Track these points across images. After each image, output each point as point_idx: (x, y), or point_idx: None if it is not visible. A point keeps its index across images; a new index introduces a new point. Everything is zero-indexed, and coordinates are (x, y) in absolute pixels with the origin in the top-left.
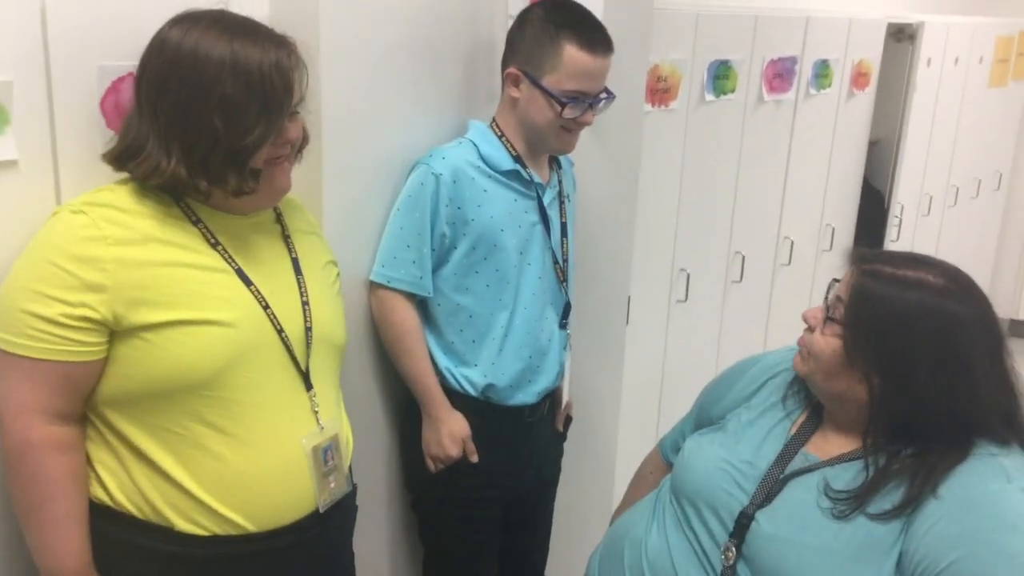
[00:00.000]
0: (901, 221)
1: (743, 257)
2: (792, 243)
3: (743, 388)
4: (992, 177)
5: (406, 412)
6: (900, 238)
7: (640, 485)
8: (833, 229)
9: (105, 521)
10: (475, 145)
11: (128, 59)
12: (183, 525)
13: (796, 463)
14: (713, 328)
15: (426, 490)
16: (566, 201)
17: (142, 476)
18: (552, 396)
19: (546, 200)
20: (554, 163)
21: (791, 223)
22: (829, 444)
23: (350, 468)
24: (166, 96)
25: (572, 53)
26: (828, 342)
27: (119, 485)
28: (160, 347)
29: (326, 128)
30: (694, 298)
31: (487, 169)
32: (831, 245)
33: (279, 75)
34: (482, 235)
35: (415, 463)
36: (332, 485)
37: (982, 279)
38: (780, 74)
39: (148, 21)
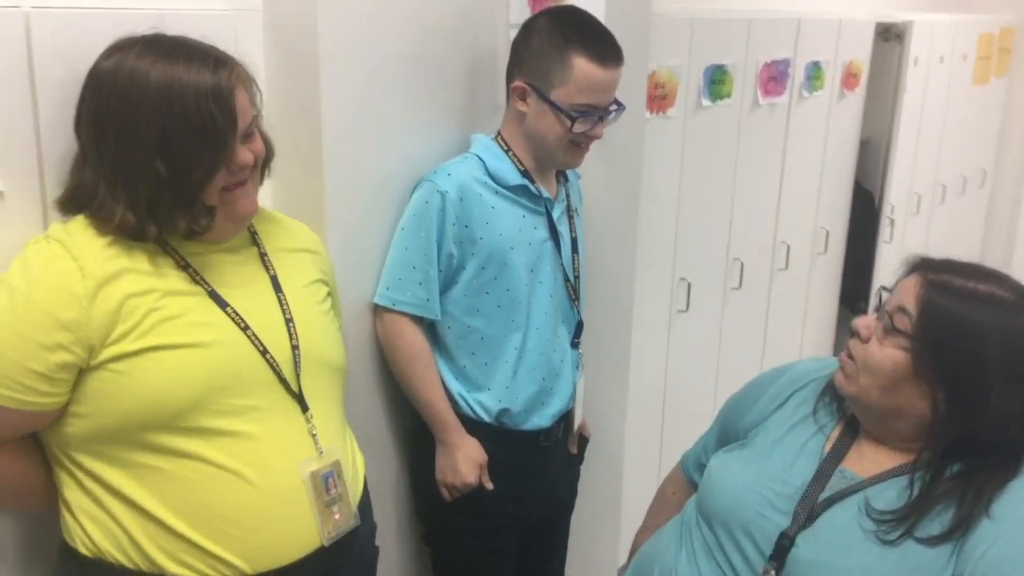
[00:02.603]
0: (894, 221)
1: (742, 264)
2: (789, 247)
3: (770, 401)
4: (977, 174)
5: (415, 440)
6: (893, 238)
7: (663, 506)
8: (827, 232)
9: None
10: (481, 160)
11: None
12: (174, 569)
13: (835, 482)
14: (714, 337)
15: (440, 521)
16: (575, 215)
17: (127, 519)
18: (566, 418)
19: (555, 215)
20: (561, 176)
21: (787, 227)
22: (867, 460)
23: (366, 504)
24: (107, 139)
25: (582, 66)
26: (888, 354)
27: (103, 533)
28: (130, 377)
29: (327, 145)
30: (695, 307)
31: (494, 185)
32: (826, 248)
33: (218, 104)
34: (491, 254)
35: (428, 493)
36: (337, 516)
37: None
38: (774, 77)
39: None
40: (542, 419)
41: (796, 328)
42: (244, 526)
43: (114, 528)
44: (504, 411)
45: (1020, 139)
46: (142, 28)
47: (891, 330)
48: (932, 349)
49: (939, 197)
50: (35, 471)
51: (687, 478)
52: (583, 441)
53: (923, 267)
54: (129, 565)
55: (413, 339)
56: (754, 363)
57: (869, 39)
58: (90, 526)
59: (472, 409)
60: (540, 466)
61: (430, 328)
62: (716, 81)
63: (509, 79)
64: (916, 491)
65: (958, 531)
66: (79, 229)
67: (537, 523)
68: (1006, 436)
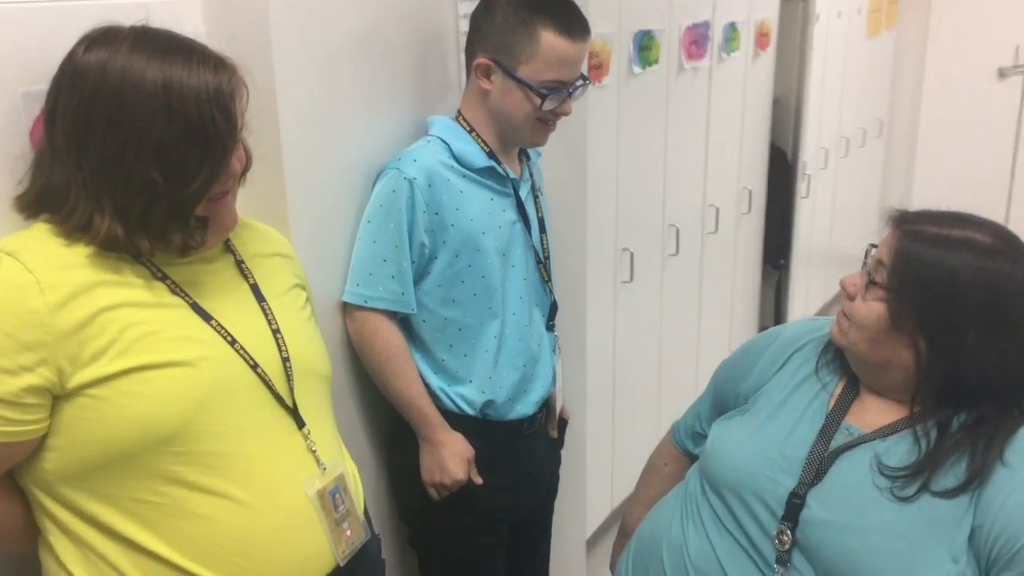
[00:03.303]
0: (810, 177)
1: (677, 230)
2: (717, 210)
3: (768, 365)
4: (875, 125)
5: (393, 442)
6: (809, 194)
7: (654, 479)
8: (750, 192)
9: None
10: (445, 143)
11: None
12: None
13: (840, 437)
14: (655, 305)
15: (427, 522)
16: (539, 194)
17: (122, 560)
18: (547, 404)
19: (522, 195)
20: (523, 155)
21: (715, 191)
22: (869, 414)
23: (366, 513)
24: (90, 141)
25: (550, 40)
26: (871, 308)
27: None
28: (113, 402)
29: (285, 139)
30: (638, 277)
31: (461, 168)
32: (749, 208)
33: (220, 109)
34: (464, 241)
35: (411, 495)
36: (348, 533)
37: (871, 226)
38: (696, 41)
39: (74, 40)
40: (525, 407)
41: (727, 290)
42: (253, 556)
43: (107, 571)
44: (488, 403)
45: (911, 87)
46: (77, 21)
47: (870, 284)
48: (908, 297)
49: (843, 150)
50: (17, 511)
51: (680, 448)
52: (562, 424)
53: (900, 220)
54: None
55: (389, 336)
56: (692, 329)
57: None
58: (79, 572)
59: (455, 403)
60: (526, 455)
61: (403, 322)
62: (645, 47)
63: (470, 56)
64: (926, 445)
65: (973, 481)
66: (37, 237)
67: (525, 514)
68: (986, 384)
